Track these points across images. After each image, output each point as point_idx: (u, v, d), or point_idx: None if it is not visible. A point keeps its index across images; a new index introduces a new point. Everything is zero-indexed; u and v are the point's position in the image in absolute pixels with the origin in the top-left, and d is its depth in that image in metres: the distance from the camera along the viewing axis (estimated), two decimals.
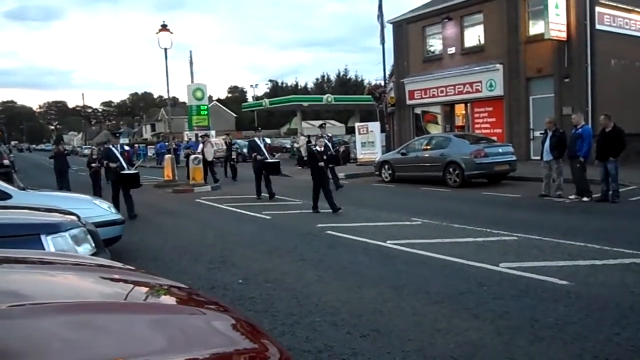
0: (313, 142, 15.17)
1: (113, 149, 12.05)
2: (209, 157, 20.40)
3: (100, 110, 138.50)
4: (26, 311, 1.47)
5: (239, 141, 30.94)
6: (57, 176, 17.90)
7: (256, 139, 14.85)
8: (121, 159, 11.82)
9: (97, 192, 15.14)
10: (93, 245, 4.78)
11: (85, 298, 1.80)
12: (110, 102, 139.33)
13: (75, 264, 2.32)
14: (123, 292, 1.97)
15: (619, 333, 4.10)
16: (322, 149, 11.69)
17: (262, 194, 14.16)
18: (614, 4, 19.99)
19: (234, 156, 22.39)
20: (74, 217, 5.05)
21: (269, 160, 14.39)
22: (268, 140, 15.76)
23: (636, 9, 21.00)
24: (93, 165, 16.47)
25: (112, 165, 11.75)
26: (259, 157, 14.18)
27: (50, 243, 4.27)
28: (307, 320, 4.69)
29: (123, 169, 11.77)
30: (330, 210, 10.94)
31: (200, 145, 21.54)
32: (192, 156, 19.82)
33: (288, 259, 7.15)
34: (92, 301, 1.74)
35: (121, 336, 1.46)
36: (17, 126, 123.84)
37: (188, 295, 2.08)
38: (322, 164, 11.38)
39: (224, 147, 21.78)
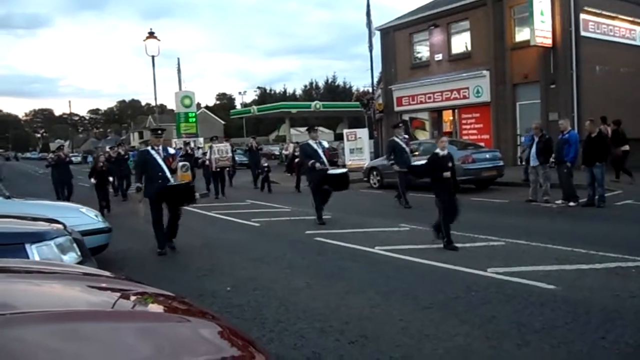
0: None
1: (152, 152, 8.46)
2: (213, 166, 17.02)
3: (87, 118, 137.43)
4: (9, 321, 1.46)
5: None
6: (58, 189, 15.11)
7: (311, 141, 10.79)
8: (164, 166, 8.38)
9: (103, 208, 13.41)
10: (79, 253, 4.75)
11: (71, 307, 1.79)
12: (98, 109, 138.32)
13: (61, 273, 2.30)
14: (110, 301, 1.96)
15: (605, 337, 4.14)
16: (446, 151, 8.04)
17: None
18: (598, 11, 20.26)
19: (265, 164, 18.54)
20: (59, 226, 5.01)
21: (333, 172, 10.44)
22: (326, 144, 11.25)
23: (620, 16, 21.30)
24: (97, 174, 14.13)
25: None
26: (317, 165, 10.25)
27: (35, 252, 4.24)
28: (295, 327, 4.69)
29: (168, 181, 8.40)
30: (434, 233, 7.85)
31: (208, 152, 18.20)
32: (180, 163, 19.26)
33: (276, 266, 7.13)
34: (79, 310, 1.73)
35: (108, 345, 1.45)
36: (2, 134, 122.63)
37: (175, 303, 2.08)
38: (448, 174, 7.67)
39: (228, 154, 17.87)
